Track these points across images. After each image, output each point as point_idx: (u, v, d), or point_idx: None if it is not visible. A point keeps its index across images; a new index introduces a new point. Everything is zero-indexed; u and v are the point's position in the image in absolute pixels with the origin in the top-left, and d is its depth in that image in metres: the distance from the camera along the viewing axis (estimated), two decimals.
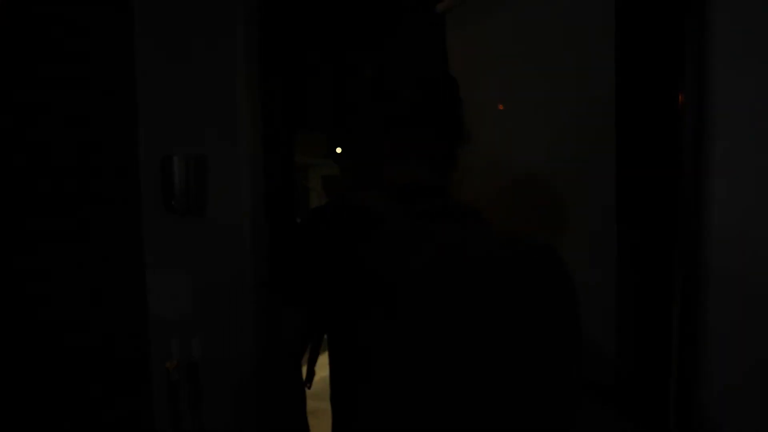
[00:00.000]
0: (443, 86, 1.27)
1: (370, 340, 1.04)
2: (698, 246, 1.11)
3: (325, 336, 1.22)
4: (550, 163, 1.58)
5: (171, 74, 1.39)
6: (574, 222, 1.55)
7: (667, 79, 1.16)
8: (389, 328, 1.01)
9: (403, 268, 1.02)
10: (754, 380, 1.08)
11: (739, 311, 1.08)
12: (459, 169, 1.32)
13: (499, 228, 1.21)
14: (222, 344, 1.43)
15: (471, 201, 1.23)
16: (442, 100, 1.26)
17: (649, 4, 1.17)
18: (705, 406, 1.11)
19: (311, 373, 1.31)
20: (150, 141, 1.42)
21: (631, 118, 1.23)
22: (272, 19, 1.42)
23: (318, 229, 1.18)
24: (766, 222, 1.06)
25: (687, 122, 1.12)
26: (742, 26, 1.06)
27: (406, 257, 1.03)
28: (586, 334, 1.24)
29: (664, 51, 1.17)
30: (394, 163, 1.27)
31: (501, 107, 1.75)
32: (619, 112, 1.25)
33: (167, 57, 1.39)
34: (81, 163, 1.42)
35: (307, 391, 1.23)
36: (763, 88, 1.05)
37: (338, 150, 1.39)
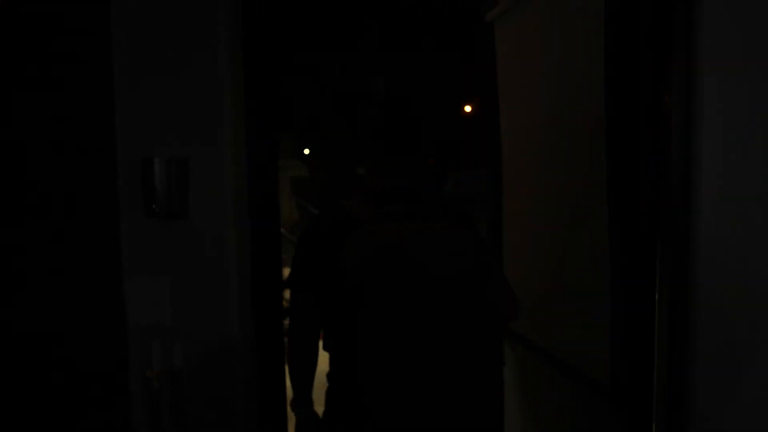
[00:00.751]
0: (407, 105, 1.59)
1: (350, 319, 1.41)
2: (687, 249, 1.12)
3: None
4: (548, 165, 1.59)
5: (151, 73, 1.35)
6: (570, 226, 1.56)
7: (653, 84, 1.18)
8: (362, 312, 1.40)
9: (366, 269, 1.39)
10: (745, 378, 1.10)
11: (728, 312, 1.10)
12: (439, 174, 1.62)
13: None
14: (205, 351, 1.39)
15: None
16: (401, 118, 1.57)
17: (638, 9, 1.19)
18: (696, 404, 1.12)
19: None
20: (128, 142, 1.37)
21: (619, 121, 1.24)
22: (256, 20, 1.39)
23: (317, 232, 1.52)
24: (752, 225, 1.09)
25: (674, 126, 1.13)
26: (730, 29, 1.08)
27: (365, 258, 1.40)
28: (580, 334, 1.26)
29: (651, 58, 1.18)
30: (374, 170, 1.56)
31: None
32: (609, 115, 1.26)
33: (147, 55, 1.35)
34: (54, 165, 1.36)
35: None
36: (752, 91, 1.07)
37: (306, 151, 1.66)
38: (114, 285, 1.38)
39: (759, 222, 1.08)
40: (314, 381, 1.53)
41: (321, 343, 1.56)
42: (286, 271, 1.59)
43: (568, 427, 1.61)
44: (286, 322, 1.63)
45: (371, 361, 1.40)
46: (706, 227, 1.11)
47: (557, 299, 1.64)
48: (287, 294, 1.75)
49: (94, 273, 1.39)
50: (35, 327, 1.39)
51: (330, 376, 1.51)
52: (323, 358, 1.52)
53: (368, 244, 1.41)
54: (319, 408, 1.53)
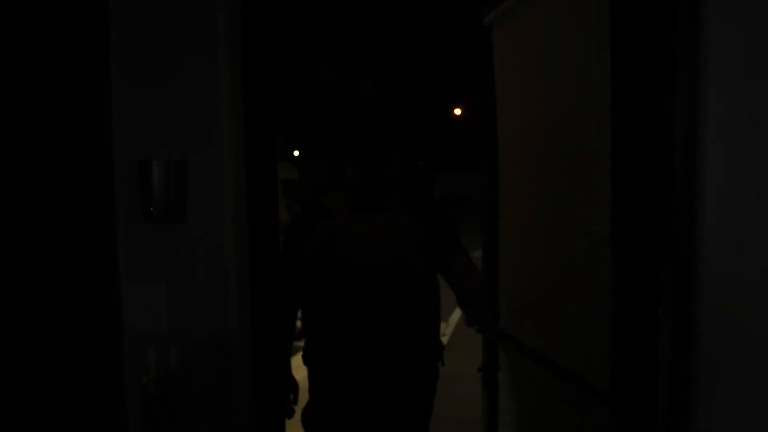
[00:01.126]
0: (379, 108, 1.79)
1: (318, 297, 1.64)
2: (691, 251, 1.12)
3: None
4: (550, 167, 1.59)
5: (148, 74, 1.32)
6: (569, 228, 1.55)
7: (657, 88, 1.18)
8: (308, 298, 1.62)
9: (308, 257, 1.59)
10: (751, 384, 1.10)
11: (734, 315, 1.10)
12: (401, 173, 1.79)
13: None
14: (203, 357, 1.36)
15: None
16: (371, 120, 1.74)
17: (643, 12, 1.19)
18: (697, 411, 1.12)
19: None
20: (125, 143, 1.34)
21: (625, 122, 1.24)
22: (256, 19, 1.37)
23: (296, 223, 1.73)
24: (758, 228, 1.09)
25: (678, 128, 1.13)
26: (735, 33, 1.08)
27: (309, 248, 1.60)
28: (580, 338, 1.26)
29: (655, 62, 1.18)
30: (353, 168, 1.75)
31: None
32: (615, 117, 1.26)
33: (145, 55, 1.32)
34: (49, 167, 1.33)
35: None
36: (756, 94, 1.07)
37: (296, 153, 1.81)
38: (110, 289, 1.36)
39: (765, 225, 1.08)
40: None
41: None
42: None
43: None
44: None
45: (314, 344, 1.55)
46: (711, 230, 1.11)
47: (556, 303, 1.64)
48: None
49: (89, 277, 1.36)
50: (26, 332, 1.36)
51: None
52: None
53: (317, 235, 1.58)
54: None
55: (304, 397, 1.72)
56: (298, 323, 1.79)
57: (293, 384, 1.71)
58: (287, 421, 1.58)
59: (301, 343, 1.75)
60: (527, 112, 1.78)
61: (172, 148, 1.32)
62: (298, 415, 1.70)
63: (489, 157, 2.02)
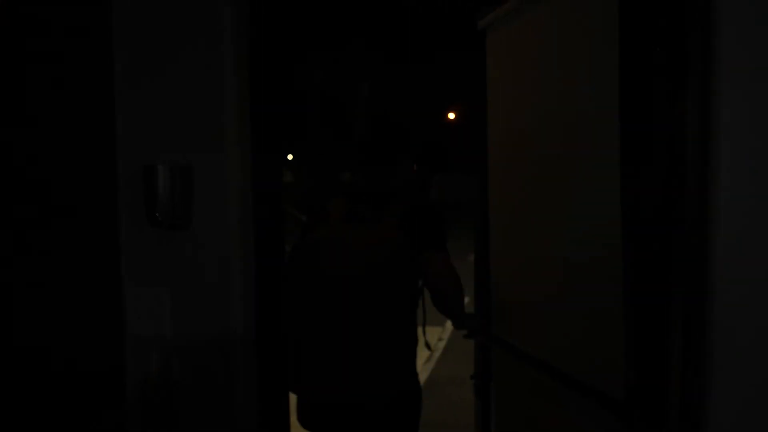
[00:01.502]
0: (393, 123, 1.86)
1: (296, 304, 1.62)
2: (704, 260, 1.12)
3: None
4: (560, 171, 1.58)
5: (153, 77, 1.31)
6: (573, 231, 1.55)
7: (668, 94, 1.17)
8: (292, 303, 1.61)
9: (289, 266, 1.59)
10: (763, 397, 1.09)
11: (747, 325, 1.09)
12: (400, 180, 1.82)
13: None
14: (205, 364, 1.35)
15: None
16: (386, 135, 1.79)
17: (652, 14, 1.18)
18: (712, 419, 1.11)
19: None
20: (129, 148, 1.32)
21: (634, 125, 1.24)
22: (263, 21, 1.35)
23: (302, 231, 1.71)
24: None
25: (690, 133, 1.13)
26: (747, 36, 1.07)
27: (291, 256, 1.61)
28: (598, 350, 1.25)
29: (665, 68, 1.18)
30: (355, 175, 1.84)
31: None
32: (623, 118, 1.25)
33: (150, 59, 1.31)
34: (50, 171, 1.31)
35: None
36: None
37: (290, 157, 1.78)
38: (113, 295, 1.33)
39: None
40: None
41: None
42: None
43: None
44: None
45: (299, 346, 1.59)
46: (723, 236, 1.10)
47: (559, 308, 1.63)
48: None
49: (92, 283, 1.34)
50: (28, 337, 1.34)
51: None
52: None
53: (302, 244, 1.62)
54: None
55: None
56: None
57: None
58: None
59: None
60: (522, 116, 1.78)
61: (175, 152, 1.30)
62: None
63: (481, 161, 2.01)
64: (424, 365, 4.72)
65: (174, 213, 1.26)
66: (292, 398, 1.63)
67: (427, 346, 1.97)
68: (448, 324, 6.51)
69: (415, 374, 1.76)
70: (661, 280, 1.20)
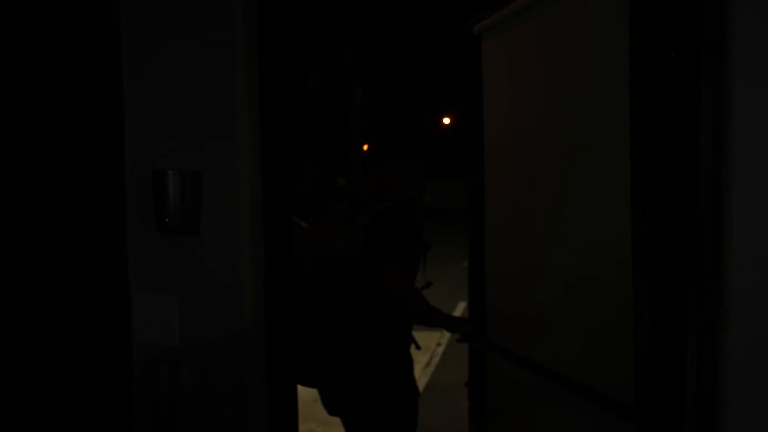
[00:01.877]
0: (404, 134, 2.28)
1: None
2: (719, 263, 1.11)
3: None
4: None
5: (162, 80, 1.29)
6: (577, 232, 1.54)
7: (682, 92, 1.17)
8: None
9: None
10: None
11: (763, 328, 1.09)
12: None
13: None
14: (214, 371, 1.32)
15: None
16: (396, 146, 2.07)
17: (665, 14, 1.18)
18: (728, 425, 1.10)
19: None
20: (136, 153, 1.30)
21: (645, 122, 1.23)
22: (274, 22, 1.34)
23: None
24: None
25: (704, 135, 1.12)
26: (763, 35, 1.07)
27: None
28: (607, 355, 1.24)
29: (678, 68, 1.17)
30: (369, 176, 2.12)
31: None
32: (634, 116, 1.25)
33: (159, 60, 1.29)
34: (56, 177, 1.28)
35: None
36: None
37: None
38: (120, 302, 1.31)
39: None
40: None
41: None
42: None
43: None
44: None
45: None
46: (739, 244, 1.09)
47: (563, 314, 1.62)
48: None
49: (99, 290, 1.31)
50: (33, 344, 1.31)
51: None
52: None
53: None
54: None
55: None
56: None
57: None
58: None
59: None
60: (518, 121, 1.78)
61: (184, 157, 1.28)
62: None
63: (476, 166, 2.01)
64: (423, 370, 4.70)
65: (184, 218, 1.24)
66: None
67: (416, 345, 2.14)
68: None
69: (367, 361, 1.95)
70: (675, 284, 1.20)
